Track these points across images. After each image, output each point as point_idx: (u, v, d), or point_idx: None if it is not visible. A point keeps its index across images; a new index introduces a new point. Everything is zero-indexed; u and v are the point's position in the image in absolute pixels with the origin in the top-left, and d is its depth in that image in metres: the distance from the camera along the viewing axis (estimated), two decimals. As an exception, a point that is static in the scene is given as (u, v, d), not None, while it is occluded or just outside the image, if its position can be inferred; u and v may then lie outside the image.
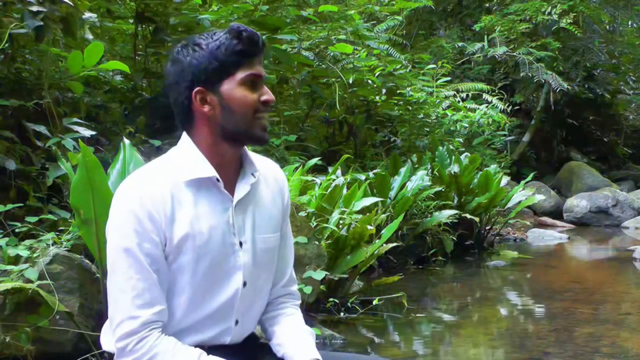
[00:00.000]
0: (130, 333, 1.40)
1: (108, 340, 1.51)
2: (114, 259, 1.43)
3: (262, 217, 1.55)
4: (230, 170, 1.51)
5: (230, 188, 1.51)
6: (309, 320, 1.73)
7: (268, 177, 1.61)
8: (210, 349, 1.48)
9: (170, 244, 1.43)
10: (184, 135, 1.51)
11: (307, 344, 1.56)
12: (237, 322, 1.52)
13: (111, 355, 1.51)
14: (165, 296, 1.44)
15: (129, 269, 1.40)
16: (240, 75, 1.44)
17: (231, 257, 1.49)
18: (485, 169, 7.23)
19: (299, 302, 1.71)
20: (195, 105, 1.46)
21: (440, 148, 7.12)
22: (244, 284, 1.51)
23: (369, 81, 6.92)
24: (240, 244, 1.50)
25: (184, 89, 1.46)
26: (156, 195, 1.42)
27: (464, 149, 8.17)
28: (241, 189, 1.51)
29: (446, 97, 9.07)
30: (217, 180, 1.47)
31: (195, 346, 1.47)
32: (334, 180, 4.65)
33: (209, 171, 1.46)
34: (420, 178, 5.88)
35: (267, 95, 1.48)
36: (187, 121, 1.49)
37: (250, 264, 1.52)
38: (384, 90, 7.23)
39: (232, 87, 1.44)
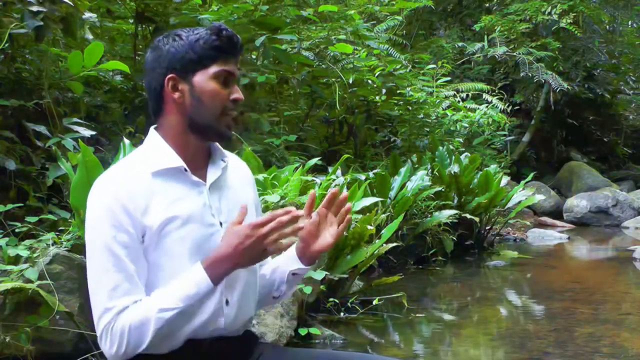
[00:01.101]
0: (107, 325, 1.40)
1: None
2: (91, 255, 1.45)
3: (236, 200, 1.59)
4: (198, 159, 1.56)
5: (201, 175, 1.55)
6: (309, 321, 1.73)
7: (236, 168, 1.67)
8: (211, 344, 1.49)
9: (150, 233, 1.44)
10: (151, 130, 1.56)
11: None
12: (227, 302, 1.52)
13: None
14: (143, 288, 1.44)
15: (106, 262, 1.42)
16: (214, 69, 1.50)
17: (213, 237, 1.51)
18: (485, 169, 7.22)
19: None
20: (166, 91, 1.51)
21: (440, 148, 7.12)
22: None
23: (369, 81, 6.92)
24: (221, 224, 1.53)
25: (159, 75, 1.51)
26: (129, 188, 1.45)
27: (464, 149, 8.17)
28: (213, 173, 1.56)
29: (446, 97, 9.07)
30: (185, 170, 1.51)
31: (192, 339, 1.47)
32: (334, 180, 4.65)
33: (176, 161, 1.51)
34: (420, 178, 5.88)
35: (237, 94, 1.53)
36: (157, 107, 1.54)
37: None
38: (384, 90, 7.23)
39: (204, 80, 1.49)
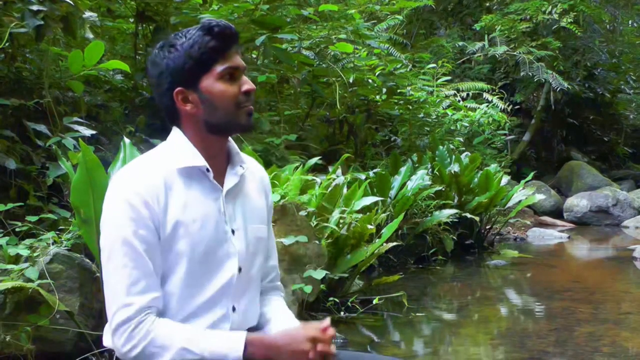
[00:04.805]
0: (126, 320, 1.40)
1: (110, 337, 1.51)
2: (109, 250, 1.43)
3: (251, 207, 1.60)
4: (219, 162, 1.56)
5: (219, 179, 1.55)
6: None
7: (254, 173, 1.67)
8: None
9: (164, 231, 1.44)
10: (174, 128, 1.56)
11: (290, 318, 1.65)
12: (234, 308, 1.53)
13: (112, 353, 1.51)
14: (160, 284, 1.45)
15: (125, 257, 1.41)
16: (217, 70, 1.48)
17: (225, 244, 1.51)
18: (485, 168, 7.22)
19: (283, 294, 1.78)
20: (178, 104, 1.50)
21: (441, 147, 7.12)
22: (239, 269, 1.53)
23: (370, 80, 6.92)
24: (233, 231, 1.53)
25: (166, 91, 1.50)
26: (149, 183, 1.45)
27: (464, 149, 8.17)
28: (230, 179, 1.56)
29: (446, 97, 9.07)
30: (207, 170, 1.51)
31: None
32: (334, 179, 4.65)
33: (200, 161, 1.51)
34: (421, 177, 5.89)
35: (247, 85, 1.51)
36: (173, 120, 1.55)
37: (244, 251, 1.55)
38: (384, 90, 7.23)
39: (210, 83, 1.48)
